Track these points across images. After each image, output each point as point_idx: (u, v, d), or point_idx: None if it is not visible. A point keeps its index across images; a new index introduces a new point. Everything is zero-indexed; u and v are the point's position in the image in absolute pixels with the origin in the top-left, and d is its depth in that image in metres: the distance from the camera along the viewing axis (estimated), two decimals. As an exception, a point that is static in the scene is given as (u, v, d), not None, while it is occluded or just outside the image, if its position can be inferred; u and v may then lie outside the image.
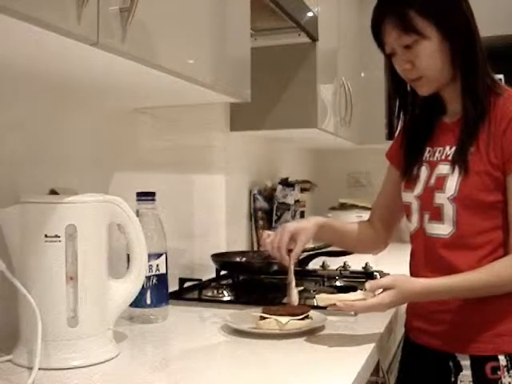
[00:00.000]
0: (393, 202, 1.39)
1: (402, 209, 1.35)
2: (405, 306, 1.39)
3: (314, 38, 2.12)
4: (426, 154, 1.28)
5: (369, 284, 1.14)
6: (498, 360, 1.14)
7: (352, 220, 1.47)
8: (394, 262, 1.59)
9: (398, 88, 1.31)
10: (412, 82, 1.23)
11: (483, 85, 1.18)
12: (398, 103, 1.33)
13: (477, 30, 1.20)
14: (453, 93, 1.23)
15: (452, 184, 1.18)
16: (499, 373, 1.14)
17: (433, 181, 1.23)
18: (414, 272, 1.30)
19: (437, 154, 1.25)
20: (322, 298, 1.17)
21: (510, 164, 1.13)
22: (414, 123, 1.33)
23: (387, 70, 1.31)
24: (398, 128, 1.38)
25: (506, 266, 1.14)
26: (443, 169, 1.21)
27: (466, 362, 1.17)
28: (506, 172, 1.14)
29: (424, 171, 1.26)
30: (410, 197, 1.28)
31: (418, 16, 1.15)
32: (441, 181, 1.20)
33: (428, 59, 1.17)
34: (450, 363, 1.19)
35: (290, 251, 1.27)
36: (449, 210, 1.18)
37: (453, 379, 1.18)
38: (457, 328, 1.20)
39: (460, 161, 1.17)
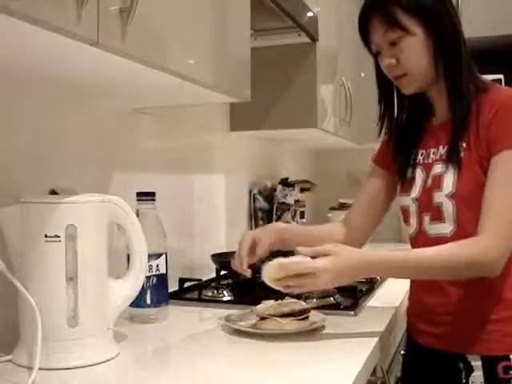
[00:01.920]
0: (375, 206, 1.39)
1: (382, 213, 1.39)
2: (405, 306, 1.39)
3: (314, 38, 2.11)
4: (420, 157, 1.28)
5: (303, 249, 1.13)
6: (509, 359, 1.14)
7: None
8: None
9: (384, 90, 1.32)
10: (396, 79, 1.24)
11: (469, 85, 1.19)
12: (382, 107, 1.34)
13: (461, 31, 1.21)
14: (439, 94, 1.24)
15: (449, 181, 1.18)
16: (511, 372, 1.13)
17: (430, 181, 1.23)
18: None
19: (431, 156, 1.25)
20: (268, 274, 1.13)
21: (494, 146, 1.13)
22: (403, 126, 1.33)
23: (375, 73, 1.32)
24: (382, 132, 1.37)
25: (459, 245, 1.12)
26: (438, 168, 1.22)
27: (477, 363, 1.17)
28: (492, 155, 1.13)
29: (420, 174, 1.26)
30: (407, 200, 1.28)
31: (404, 13, 1.17)
32: (437, 180, 1.21)
33: (412, 55, 1.19)
34: (461, 364, 1.18)
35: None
36: (448, 207, 1.18)
37: (464, 380, 1.18)
38: (465, 329, 1.19)
39: (453, 158, 1.18)
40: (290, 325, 1.20)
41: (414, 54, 1.19)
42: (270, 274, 1.13)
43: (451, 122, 1.22)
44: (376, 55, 1.26)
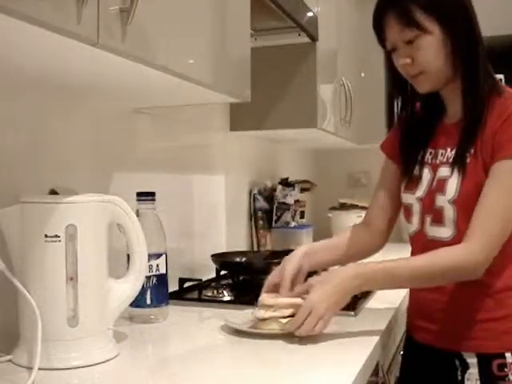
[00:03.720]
0: (392, 198, 1.37)
1: (400, 207, 1.35)
2: (406, 304, 1.39)
3: (313, 38, 2.11)
4: (428, 156, 1.27)
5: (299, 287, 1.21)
6: (504, 357, 1.15)
7: (352, 220, 1.47)
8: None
9: (398, 88, 1.30)
10: (412, 78, 1.22)
11: (484, 85, 1.18)
12: (399, 103, 1.32)
13: (479, 31, 1.19)
14: (453, 93, 1.23)
15: (452, 186, 1.17)
16: (506, 370, 1.14)
17: (435, 183, 1.22)
18: None
19: (439, 157, 1.24)
20: (262, 313, 1.20)
21: (497, 153, 1.13)
22: (414, 123, 1.32)
23: (387, 70, 1.30)
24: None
25: (446, 251, 1.15)
26: (444, 171, 1.21)
27: (472, 360, 1.17)
28: (494, 161, 1.13)
29: (427, 174, 1.25)
30: (411, 198, 1.27)
31: (421, 11, 1.14)
32: (441, 183, 1.20)
33: (429, 54, 1.17)
34: (456, 362, 1.19)
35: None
36: (449, 212, 1.18)
37: (459, 377, 1.18)
38: (462, 326, 1.20)
39: (459, 163, 1.17)
40: (290, 324, 1.19)
41: (430, 53, 1.16)
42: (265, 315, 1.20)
43: (462, 123, 1.20)
44: (390, 52, 1.23)
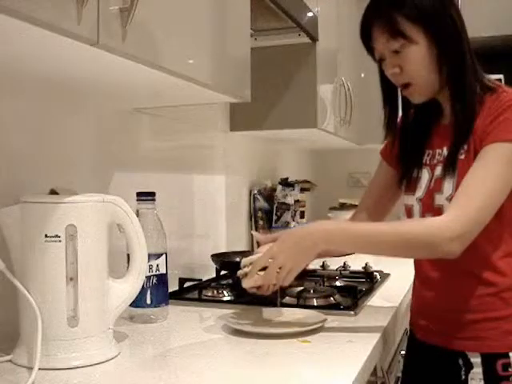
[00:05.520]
0: (382, 197, 1.41)
1: (389, 205, 1.40)
2: (407, 303, 1.39)
3: (313, 38, 2.12)
4: (426, 157, 1.28)
5: (257, 234, 1.26)
6: (508, 357, 1.15)
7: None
8: (393, 262, 1.59)
9: (388, 95, 1.32)
10: (402, 88, 1.24)
11: (473, 88, 1.18)
12: (387, 111, 1.33)
13: (466, 36, 1.20)
14: (446, 96, 1.24)
15: (449, 185, 1.18)
16: (510, 370, 1.14)
17: (433, 183, 1.24)
18: (419, 271, 1.32)
19: (436, 156, 1.25)
20: (241, 272, 1.20)
21: (485, 141, 1.13)
22: (411, 126, 1.33)
23: (380, 79, 1.32)
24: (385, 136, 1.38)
25: (418, 220, 1.16)
26: (439, 170, 1.22)
27: (476, 360, 1.17)
28: (482, 147, 1.13)
29: (425, 174, 1.27)
30: (412, 199, 1.29)
31: (406, 20, 1.16)
32: (439, 182, 1.21)
33: (416, 63, 1.18)
34: (460, 361, 1.19)
35: None
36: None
37: (463, 377, 1.18)
38: (466, 326, 1.20)
39: (451, 162, 1.19)
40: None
41: (417, 61, 1.18)
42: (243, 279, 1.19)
43: (453, 124, 1.21)
44: (380, 62, 1.25)
